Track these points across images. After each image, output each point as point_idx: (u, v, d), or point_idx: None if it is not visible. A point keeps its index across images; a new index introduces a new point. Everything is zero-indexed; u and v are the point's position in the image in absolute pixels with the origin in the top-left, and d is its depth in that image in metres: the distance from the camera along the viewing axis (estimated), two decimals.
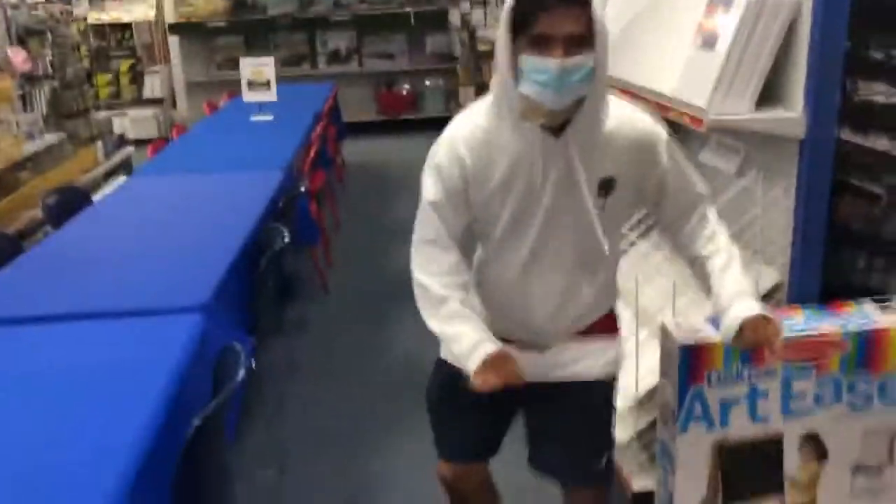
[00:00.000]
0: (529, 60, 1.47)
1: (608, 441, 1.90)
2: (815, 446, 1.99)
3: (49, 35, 6.08)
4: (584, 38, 1.46)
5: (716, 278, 1.67)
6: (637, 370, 2.24)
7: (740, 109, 1.91)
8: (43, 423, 1.63)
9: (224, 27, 8.49)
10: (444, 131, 1.68)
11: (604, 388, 1.84)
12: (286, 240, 2.58)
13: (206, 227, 2.78)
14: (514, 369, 1.56)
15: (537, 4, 1.45)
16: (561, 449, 1.84)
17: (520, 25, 1.48)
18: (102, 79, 8.23)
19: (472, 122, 1.64)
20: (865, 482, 2.01)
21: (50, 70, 6.04)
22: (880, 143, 2.08)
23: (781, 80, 1.96)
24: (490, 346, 1.58)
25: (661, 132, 1.66)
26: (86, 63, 7.16)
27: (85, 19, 7.97)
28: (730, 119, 1.91)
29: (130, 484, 1.43)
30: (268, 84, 5.11)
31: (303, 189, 3.41)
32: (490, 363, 1.55)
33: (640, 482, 2.19)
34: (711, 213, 1.74)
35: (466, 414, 1.83)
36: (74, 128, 6.26)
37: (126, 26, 8.39)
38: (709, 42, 1.98)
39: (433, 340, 1.77)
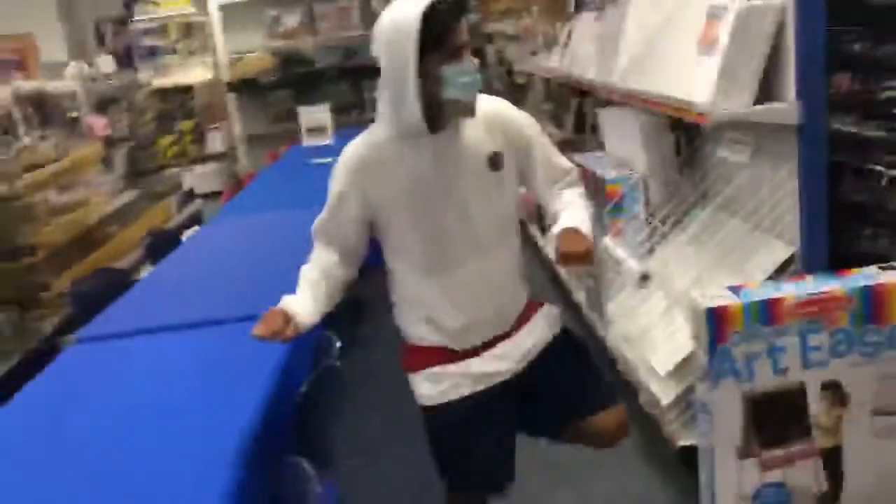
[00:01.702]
0: (453, 69, 1.78)
1: (598, 369, 2.16)
2: (836, 393, 2.25)
3: (123, 102, 6.68)
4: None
5: (560, 218, 1.95)
6: (671, 343, 2.52)
7: (739, 105, 2.22)
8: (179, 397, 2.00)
9: (276, 82, 9.06)
10: (344, 150, 1.94)
11: (565, 338, 2.13)
12: None
13: (288, 250, 3.17)
14: (282, 324, 1.81)
15: (449, 23, 1.77)
16: (565, 395, 2.06)
17: (433, 43, 1.76)
18: (167, 139, 8.84)
19: (366, 142, 1.92)
20: (885, 423, 2.26)
21: (125, 133, 6.63)
22: (868, 128, 2.36)
23: (776, 76, 2.27)
24: (281, 304, 1.86)
25: (513, 109, 2.01)
26: (152, 126, 7.74)
27: (149, 85, 8.62)
28: (730, 114, 2.22)
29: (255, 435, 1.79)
30: (325, 129, 5.56)
31: None
32: (266, 316, 1.82)
33: (683, 439, 2.46)
34: (575, 186, 2.07)
35: (479, 436, 2.00)
36: (148, 185, 6.82)
37: (187, 89, 9.02)
38: (709, 49, 2.31)
39: None
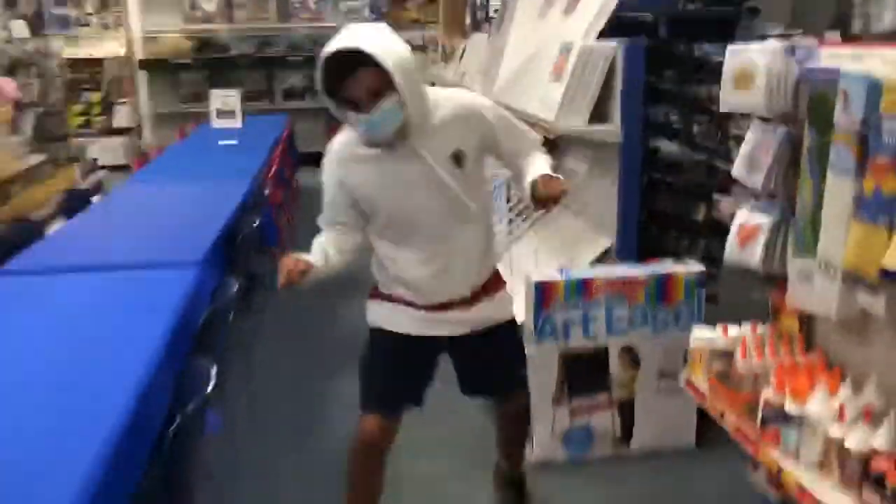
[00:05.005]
0: (350, 116, 1.96)
1: (523, 357, 2.44)
2: (631, 356, 2.86)
3: (35, 67, 6.81)
4: (381, 88, 1.89)
5: (525, 170, 2.16)
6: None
7: (577, 123, 2.79)
8: (71, 346, 2.20)
9: (189, 64, 9.28)
10: (329, 146, 2.14)
11: (512, 323, 2.39)
12: (256, 224, 3.36)
13: (194, 214, 3.56)
14: (295, 272, 2.04)
15: (335, 79, 1.89)
16: (490, 370, 2.33)
17: (331, 92, 1.93)
18: (75, 109, 8.91)
19: (345, 140, 2.12)
20: (667, 384, 2.87)
21: (35, 98, 6.76)
22: (674, 150, 2.99)
23: (608, 104, 2.86)
24: (295, 255, 2.07)
25: (480, 101, 2.17)
26: (61, 94, 7.83)
27: (61, 55, 8.68)
28: (570, 130, 2.79)
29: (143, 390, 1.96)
30: (234, 113, 5.91)
31: (266, 192, 4.20)
32: (283, 263, 2.03)
33: None
34: (538, 150, 2.22)
35: (397, 368, 2.25)
36: (55, 151, 6.96)
37: (98, 61, 9.12)
38: (557, 77, 2.88)
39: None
